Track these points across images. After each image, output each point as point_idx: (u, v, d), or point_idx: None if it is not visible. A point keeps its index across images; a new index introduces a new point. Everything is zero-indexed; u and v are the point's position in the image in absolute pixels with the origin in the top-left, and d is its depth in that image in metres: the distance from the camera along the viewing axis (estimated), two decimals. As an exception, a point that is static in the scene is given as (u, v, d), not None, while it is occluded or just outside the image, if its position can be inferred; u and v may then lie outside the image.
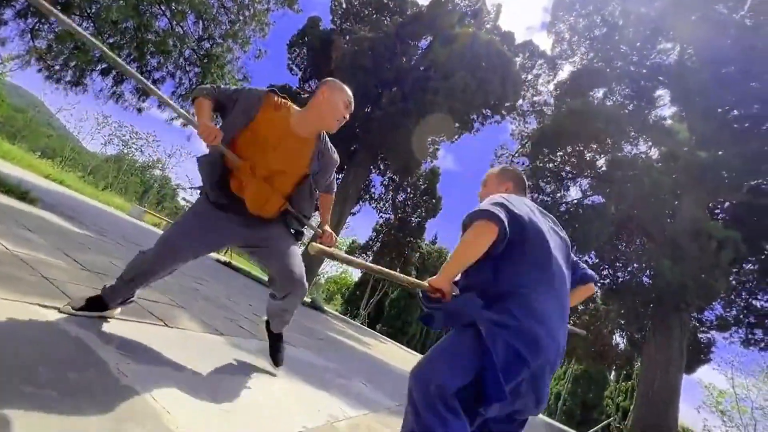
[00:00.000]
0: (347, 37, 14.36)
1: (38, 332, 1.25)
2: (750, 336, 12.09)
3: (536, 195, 12.71)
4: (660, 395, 9.13)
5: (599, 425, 19.47)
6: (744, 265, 11.44)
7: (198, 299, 3.29)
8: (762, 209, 11.25)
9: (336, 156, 1.96)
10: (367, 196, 19.67)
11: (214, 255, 17.33)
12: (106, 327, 1.57)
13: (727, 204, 12.12)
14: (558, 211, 11.76)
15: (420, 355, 19.96)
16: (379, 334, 21.29)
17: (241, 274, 11.17)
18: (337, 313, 20.20)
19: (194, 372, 1.56)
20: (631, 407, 19.24)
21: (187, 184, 40.71)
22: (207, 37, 7.61)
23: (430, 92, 11.34)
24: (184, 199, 38.88)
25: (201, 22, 7.60)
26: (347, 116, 1.81)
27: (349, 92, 1.81)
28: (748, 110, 11.04)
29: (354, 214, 18.44)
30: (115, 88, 7.66)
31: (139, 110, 8.29)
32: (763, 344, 11.93)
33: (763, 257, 11.59)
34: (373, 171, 18.31)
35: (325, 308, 14.89)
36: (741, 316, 12.11)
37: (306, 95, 16.73)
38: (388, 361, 6.65)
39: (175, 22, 7.07)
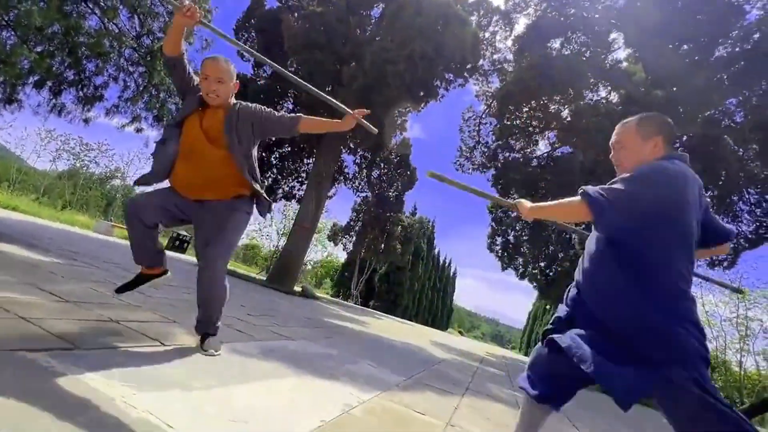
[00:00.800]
0: (296, 14, 13.67)
1: (31, 380, 1.19)
2: (714, 257, 13.03)
3: (507, 154, 12.92)
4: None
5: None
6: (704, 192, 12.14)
7: (190, 310, 3.22)
8: (715, 138, 11.87)
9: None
10: (342, 178, 19.45)
11: (195, 260, 16.89)
12: (102, 361, 1.52)
13: (684, 137, 12.69)
14: (530, 167, 12.04)
15: (416, 325, 20.47)
16: (373, 310, 21.70)
17: (254, 283, 10.99)
18: (329, 297, 20.37)
19: (202, 388, 1.55)
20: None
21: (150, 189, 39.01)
22: (146, 32, 7.04)
23: (390, 63, 11.08)
24: (151, 206, 37.22)
25: (136, 17, 7.01)
26: (214, 87, 1.95)
27: (215, 63, 1.95)
28: (697, 43, 11.40)
29: (331, 197, 18.27)
30: (54, 100, 7.06)
31: (86, 121, 7.72)
32: (726, 263, 12.92)
33: (720, 183, 12.33)
34: (344, 151, 18.02)
35: (317, 294, 14.96)
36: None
37: (261, 81, 16.02)
38: (389, 336, 6.80)
39: (107, 20, 6.50)
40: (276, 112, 2.18)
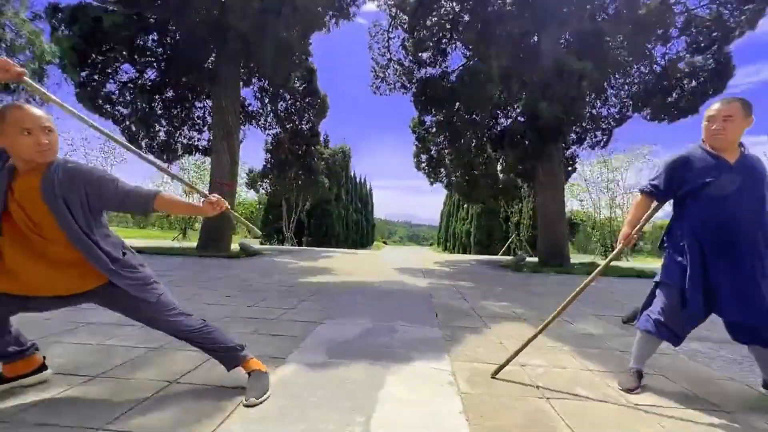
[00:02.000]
0: None
1: None
2: (593, 140, 15.54)
3: (424, 71, 12.75)
4: (553, 210, 11.70)
5: (506, 244, 24.65)
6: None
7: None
8: (597, 32, 13.15)
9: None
10: (244, 115, 17.35)
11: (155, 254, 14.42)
12: (115, 409, 1.40)
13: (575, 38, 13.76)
14: (449, 81, 12.18)
15: (362, 251, 21.31)
16: (311, 248, 21.81)
17: (187, 256, 9.80)
18: (269, 246, 19.60)
19: (319, 419, 1.54)
20: (527, 225, 24.41)
21: None
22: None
23: (286, -23, 9.44)
24: None
25: None
26: (45, 140, 1.52)
27: (32, 111, 1.51)
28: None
29: (241, 141, 16.41)
30: None
31: None
32: (602, 143, 15.53)
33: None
34: (242, 86, 15.82)
35: (256, 248, 14.38)
36: (587, 126, 15.25)
37: (112, 7, 12.43)
38: (370, 280, 6.95)
39: None
40: (121, 182, 1.66)
